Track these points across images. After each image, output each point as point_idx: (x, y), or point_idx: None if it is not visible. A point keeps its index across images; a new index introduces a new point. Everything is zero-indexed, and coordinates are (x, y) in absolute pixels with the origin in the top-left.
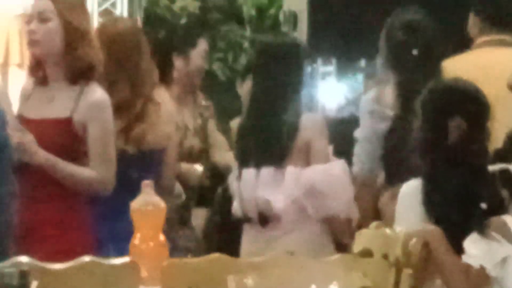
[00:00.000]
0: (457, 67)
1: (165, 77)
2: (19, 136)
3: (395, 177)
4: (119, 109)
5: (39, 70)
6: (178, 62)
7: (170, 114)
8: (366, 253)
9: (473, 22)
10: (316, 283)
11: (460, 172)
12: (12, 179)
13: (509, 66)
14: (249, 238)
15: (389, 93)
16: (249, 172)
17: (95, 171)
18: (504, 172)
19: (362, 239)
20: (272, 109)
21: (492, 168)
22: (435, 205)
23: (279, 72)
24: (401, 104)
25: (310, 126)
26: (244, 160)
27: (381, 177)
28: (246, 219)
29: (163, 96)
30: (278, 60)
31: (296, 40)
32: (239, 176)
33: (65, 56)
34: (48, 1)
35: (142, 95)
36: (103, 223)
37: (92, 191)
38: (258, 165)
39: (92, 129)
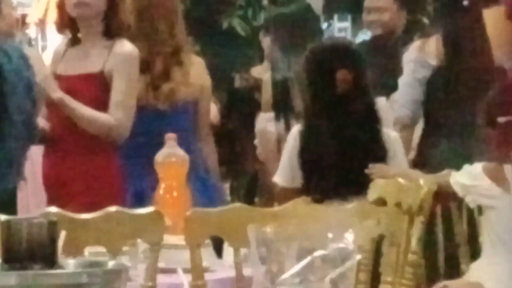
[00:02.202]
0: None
1: None
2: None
3: (435, 123)
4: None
5: (72, 29)
6: None
7: (202, 65)
8: (380, 202)
9: None
10: (333, 230)
11: (344, 121)
12: (34, 123)
13: None
14: None
15: (433, 42)
16: None
17: (113, 117)
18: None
19: (377, 188)
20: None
21: (500, 119)
22: (310, 152)
23: None
24: (447, 53)
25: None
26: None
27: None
28: None
29: None
30: None
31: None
32: None
33: (107, 16)
34: None
35: (161, 54)
36: (136, 178)
37: (106, 136)
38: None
39: (116, 78)
